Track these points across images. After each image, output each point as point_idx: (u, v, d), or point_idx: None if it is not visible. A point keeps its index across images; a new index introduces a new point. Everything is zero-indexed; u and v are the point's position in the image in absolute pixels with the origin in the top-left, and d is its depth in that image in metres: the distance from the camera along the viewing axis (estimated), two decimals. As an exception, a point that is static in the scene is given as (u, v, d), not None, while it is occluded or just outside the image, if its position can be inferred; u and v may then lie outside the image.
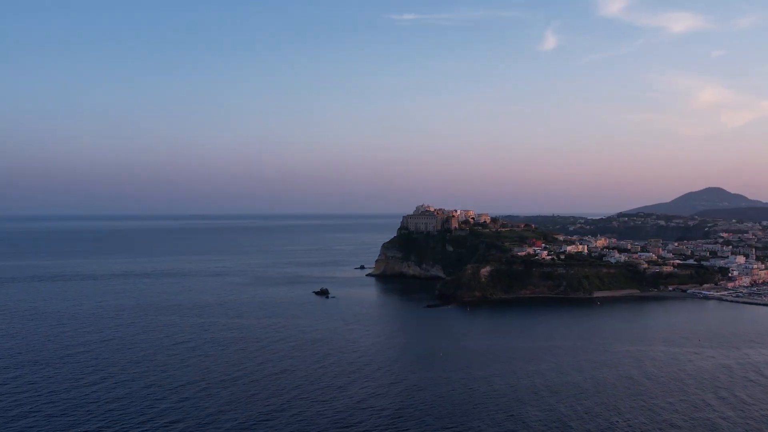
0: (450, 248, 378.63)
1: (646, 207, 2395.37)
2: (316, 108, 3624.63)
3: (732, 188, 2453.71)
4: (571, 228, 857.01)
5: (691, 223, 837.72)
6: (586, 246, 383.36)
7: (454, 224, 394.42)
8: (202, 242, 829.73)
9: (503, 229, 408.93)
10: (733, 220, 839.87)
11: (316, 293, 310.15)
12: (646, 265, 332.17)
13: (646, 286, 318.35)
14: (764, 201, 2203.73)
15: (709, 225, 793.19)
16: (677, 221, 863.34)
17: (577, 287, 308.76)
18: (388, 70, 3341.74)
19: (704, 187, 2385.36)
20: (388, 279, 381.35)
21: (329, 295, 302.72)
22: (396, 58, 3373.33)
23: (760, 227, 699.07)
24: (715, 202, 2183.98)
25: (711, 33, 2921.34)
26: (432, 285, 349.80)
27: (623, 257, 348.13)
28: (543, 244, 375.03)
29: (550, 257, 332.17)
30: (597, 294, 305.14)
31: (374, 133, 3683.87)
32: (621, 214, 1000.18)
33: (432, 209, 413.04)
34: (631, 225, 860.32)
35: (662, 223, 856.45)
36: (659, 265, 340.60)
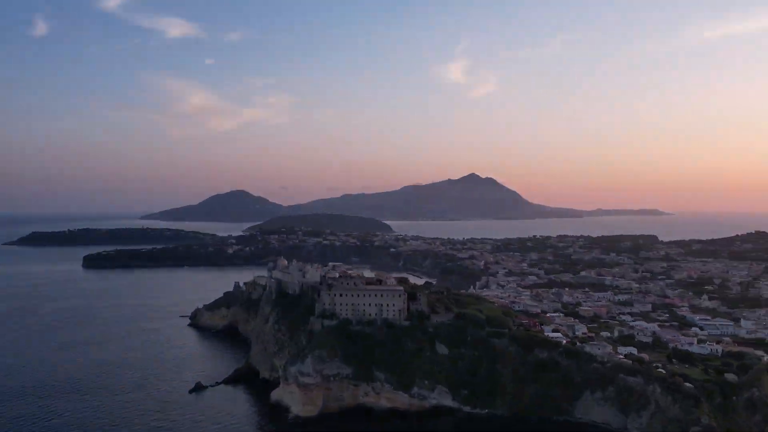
0: (444, 350, 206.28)
1: (168, 211, 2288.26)
2: None
3: (255, 191, 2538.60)
4: (230, 251, 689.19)
5: (354, 241, 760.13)
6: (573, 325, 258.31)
7: (425, 302, 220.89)
8: None
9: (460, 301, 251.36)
10: (379, 233, 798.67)
11: None
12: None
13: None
14: (285, 205, 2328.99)
15: (374, 240, 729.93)
16: (331, 238, 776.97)
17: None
18: None
19: (230, 190, 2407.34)
20: (341, 421, 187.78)
21: None
22: None
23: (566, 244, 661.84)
24: (243, 204, 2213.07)
25: (204, 42, 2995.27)
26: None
27: (704, 341, 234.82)
28: (540, 324, 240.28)
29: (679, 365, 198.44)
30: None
31: None
32: (263, 231, 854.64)
33: (385, 278, 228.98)
34: (290, 245, 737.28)
35: (323, 240, 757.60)
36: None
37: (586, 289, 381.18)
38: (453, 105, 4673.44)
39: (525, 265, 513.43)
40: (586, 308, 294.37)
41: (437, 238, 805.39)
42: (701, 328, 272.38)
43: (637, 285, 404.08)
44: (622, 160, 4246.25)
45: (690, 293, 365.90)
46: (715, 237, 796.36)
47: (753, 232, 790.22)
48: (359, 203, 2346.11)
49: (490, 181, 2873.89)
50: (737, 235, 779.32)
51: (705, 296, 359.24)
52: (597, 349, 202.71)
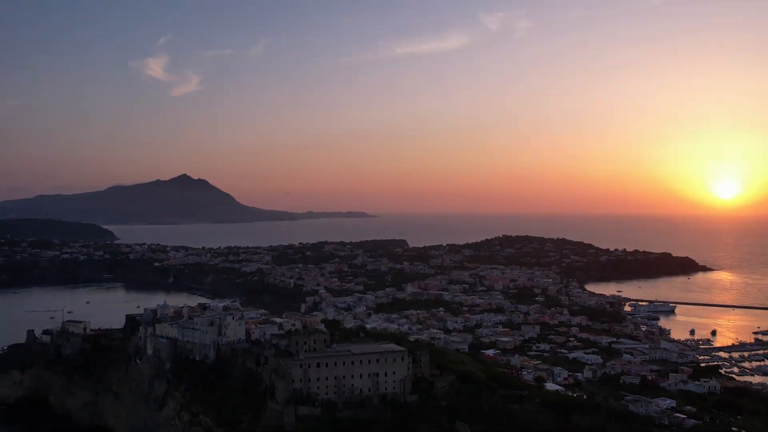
0: (466, 429, 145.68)
1: None
2: None
3: None
4: None
5: (101, 254, 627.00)
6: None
7: (427, 363, 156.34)
8: None
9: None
10: (120, 242, 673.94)
11: None
12: None
13: None
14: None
15: (128, 252, 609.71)
16: (70, 251, 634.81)
17: None
18: None
19: None
20: None
21: None
22: None
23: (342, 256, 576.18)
24: None
25: None
26: None
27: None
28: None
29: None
30: None
31: None
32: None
33: (309, 324, 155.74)
34: (18, 261, 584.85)
35: (61, 254, 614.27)
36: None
37: (441, 309, 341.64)
38: (156, 102, 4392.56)
39: (336, 279, 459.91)
40: (504, 340, 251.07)
41: (182, 247, 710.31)
42: (631, 354, 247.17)
43: (481, 300, 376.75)
44: (327, 163, 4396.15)
45: (553, 309, 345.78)
46: (445, 241, 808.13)
47: (501, 236, 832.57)
48: (58, 205, 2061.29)
49: (203, 183, 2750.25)
50: (487, 240, 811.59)
51: (566, 310, 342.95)
52: (641, 408, 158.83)
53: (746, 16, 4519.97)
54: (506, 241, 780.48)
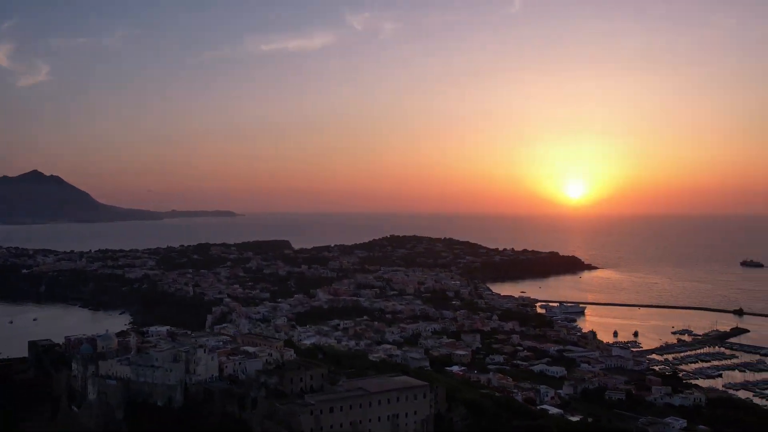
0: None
1: None
2: None
3: None
4: None
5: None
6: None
7: (443, 397, 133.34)
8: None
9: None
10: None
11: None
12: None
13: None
14: None
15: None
16: None
17: None
18: None
19: None
20: None
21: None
22: None
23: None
24: None
25: None
26: None
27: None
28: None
29: None
30: None
31: None
32: None
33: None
34: None
35: None
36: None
37: (365, 318, 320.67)
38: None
39: (237, 286, 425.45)
40: (460, 353, 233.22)
41: (50, 251, 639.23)
42: (588, 363, 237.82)
43: (402, 306, 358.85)
44: (190, 160, 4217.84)
45: (481, 314, 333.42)
46: (328, 241, 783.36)
47: (388, 236, 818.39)
48: None
49: (56, 180, 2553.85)
50: (376, 240, 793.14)
51: (495, 316, 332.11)
52: (659, 430, 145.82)
53: (601, 25, 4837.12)
54: (396, 241, 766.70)
